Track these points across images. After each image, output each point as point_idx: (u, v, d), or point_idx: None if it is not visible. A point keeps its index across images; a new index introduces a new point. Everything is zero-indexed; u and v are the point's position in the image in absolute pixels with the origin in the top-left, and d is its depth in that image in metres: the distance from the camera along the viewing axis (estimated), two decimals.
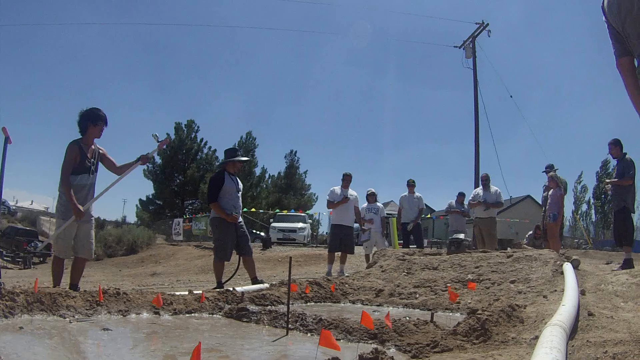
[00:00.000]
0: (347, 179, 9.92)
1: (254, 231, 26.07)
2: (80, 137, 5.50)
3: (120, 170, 5.79)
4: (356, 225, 10.29)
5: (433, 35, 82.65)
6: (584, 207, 35.17)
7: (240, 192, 7.06)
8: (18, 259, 21.77)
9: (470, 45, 23.52)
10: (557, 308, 3.12)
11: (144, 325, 3.45)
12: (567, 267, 5.26)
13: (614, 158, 8.42)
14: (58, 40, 75.98)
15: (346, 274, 8.76)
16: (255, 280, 6.62)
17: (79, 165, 5.39)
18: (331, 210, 10.31)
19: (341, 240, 9.71)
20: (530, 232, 13.21)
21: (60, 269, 5.52)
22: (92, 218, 5.64)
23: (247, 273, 7.00)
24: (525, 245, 12.27)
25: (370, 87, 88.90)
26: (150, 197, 38.47)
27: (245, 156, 7.41)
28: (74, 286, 5.12)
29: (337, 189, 9.90)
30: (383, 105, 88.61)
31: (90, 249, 5.57)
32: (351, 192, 9.88)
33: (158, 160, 37.25)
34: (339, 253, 9.90)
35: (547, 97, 79.64)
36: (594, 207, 34.75)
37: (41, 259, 23.49)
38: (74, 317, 3.39)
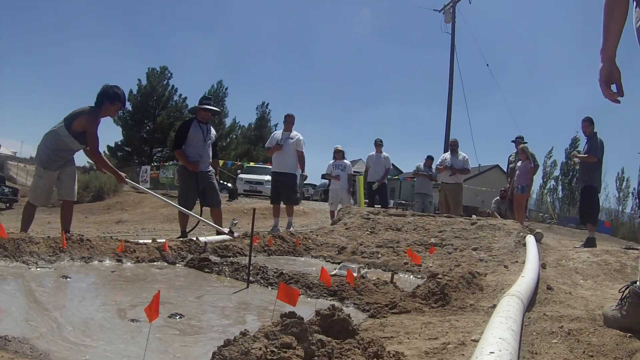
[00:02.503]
0: (288, 120, 9.11)
1: (221, 182, 25.91)
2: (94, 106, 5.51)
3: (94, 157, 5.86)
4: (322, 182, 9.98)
5: None
6: (552, 182, 35.78)
7: (210, 142, 6.93)
8: None
9: (451, 10, 23.33)
10: (517, 279, 3.15)
11: (103, 274, 3.45)
12: (530, 240, 5.31)
13: (585, 135, 8.51)
14: None
15: (295, 228, 8.64)
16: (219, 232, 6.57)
17: (81, 135, 5.41)
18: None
19: (280, 190, 9.01)
20: (497, 198, 13.40)
21: (31, 216, 5.58)
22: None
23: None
24: (493, 212, 12.50)
25: (346, 44, 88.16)
26: (119, 143, 37.71)
27: (213, 106, 7.21)
28: (67, 231, 4.98)
29: (278, 133, 9.23)
30: (358, 62, 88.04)
31: (75, 191, 5.71)
32: (293, 134, 9.00)
33: (128, 106, 36.39)
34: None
35: (523, 70, 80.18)
36: (561, 183, 35.35)
37: (7, 204, 22.95)
38: (36, 263, 3.39)
